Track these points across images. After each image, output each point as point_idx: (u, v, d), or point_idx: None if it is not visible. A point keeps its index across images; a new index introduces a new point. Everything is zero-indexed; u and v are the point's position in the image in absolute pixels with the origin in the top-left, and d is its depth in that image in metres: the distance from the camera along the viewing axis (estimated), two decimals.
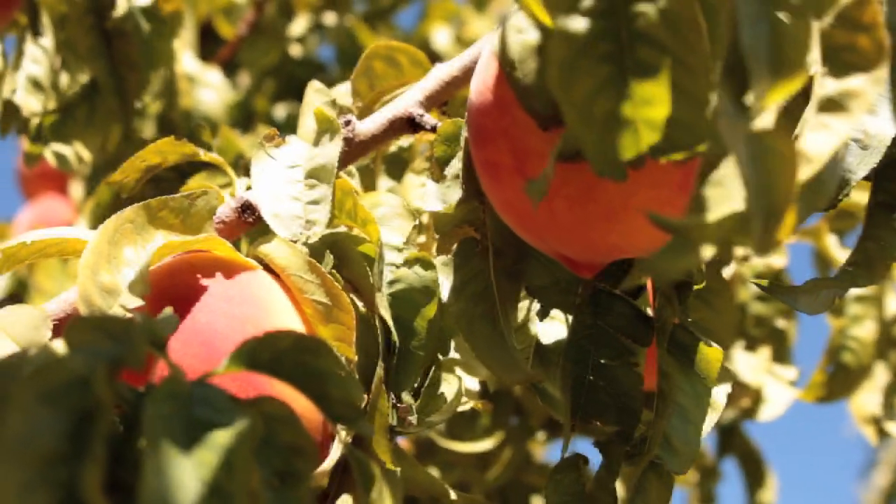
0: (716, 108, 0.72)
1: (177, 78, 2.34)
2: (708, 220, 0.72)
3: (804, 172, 0.75)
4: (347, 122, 1.19)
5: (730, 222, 0.72)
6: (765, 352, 2.00)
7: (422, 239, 1.34)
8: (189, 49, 2.94)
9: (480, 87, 1.01)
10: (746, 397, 2.03)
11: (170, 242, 1.03)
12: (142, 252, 1.04)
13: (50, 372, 0.74)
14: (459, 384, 1.19)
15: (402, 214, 1.14)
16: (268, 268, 1.10)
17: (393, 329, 1.06)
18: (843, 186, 1.06)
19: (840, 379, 2.00)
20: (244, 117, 3.11)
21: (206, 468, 0.69)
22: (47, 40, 1.70)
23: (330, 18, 3.20)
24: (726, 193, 0.73)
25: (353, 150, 1.20)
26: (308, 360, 0.83)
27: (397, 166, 1.43)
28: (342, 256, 1.10)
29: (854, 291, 2.00)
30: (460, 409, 1.22)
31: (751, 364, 2.00)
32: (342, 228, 1.13)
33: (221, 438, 0.73)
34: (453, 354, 1.21)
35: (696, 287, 1.10)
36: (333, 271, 1.08)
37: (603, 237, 0.96)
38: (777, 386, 2.04)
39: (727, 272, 1.94)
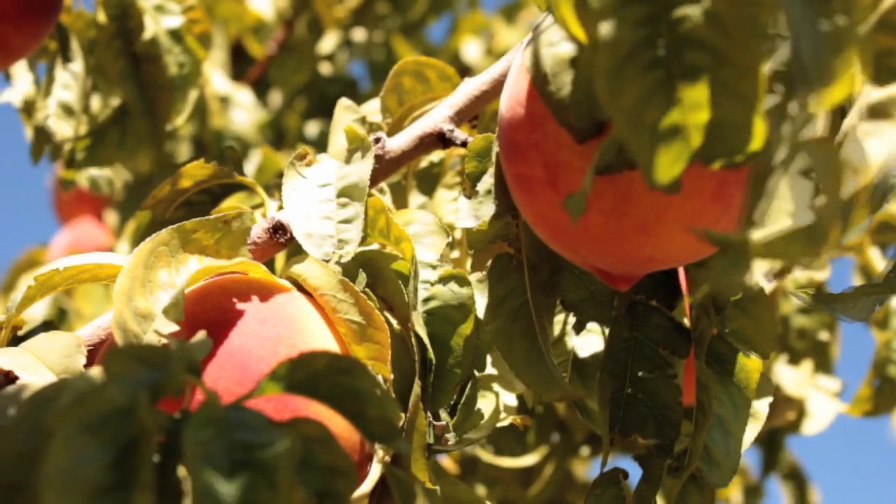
0: (769, 111, 0.70)
1: (208, 99, 2.35)
2: (766, 235, 0.71)
3: (861, 180, 0.73)
4: (377, 140, 1.19)
5: (788, 236, 0.70)
6: (808, 365, 1.99)
7: (455, 255, 1.33)
8: (221, 69, 2.95)
9: (511, 101, 1.01)
10: (791, 410, 2.01)
11: (204, 268, 1.03)
12: (176, 276, 1.04)
13: (90, 402, 0.74)
14: (496, 400, 1.18)
15: (436, 231, 1.13)
16: (302, 288, 1.09)
17: (429, 347, 1.06)
18: (888, 192, 1.05)
19: (886, 393, 1.97)
20: (276, 136, 3.12)
21: (250, 490, 0.69)
22: (77, 66, 1.70)
23: (359, 34, 3.20)
24: (780, 206, 0.72)
25: (384, 167, 1.20)
26: (344, 380, 0.83)
27: (428, 182, 1.43)
28: (376, 275, 1.10)
29: None
30: (499, 425, 1.21)
31: (794, 377, 1.98)
32: (375, 246, 1.13)
33: (263, 459, 0.73)
34: (490, 370, 1.21)
35: (733, 297, 1.09)
36: (367, 290, 1.08)
37: (638, 249, 0.95)
38: (821, 399, 2.02)
39: (768, 285, 1.92)
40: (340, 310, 1.06)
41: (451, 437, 1.08)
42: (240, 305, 1.04)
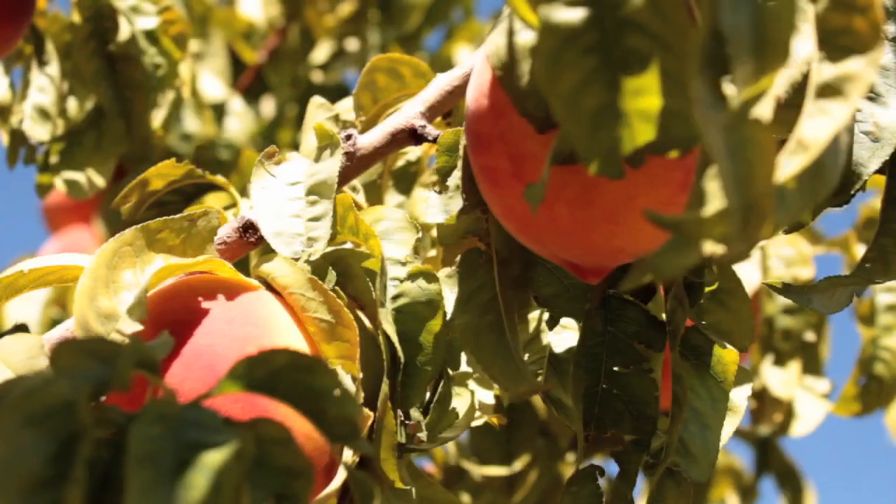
0: (693, 96, 0.69)
1: (191, 103, 2.35)
2: (705, 215, 0.70)
3: (801, 160, 0.72)
4: (348, 137, 1.17)
5: (721, 217, 0.69)
6: (795, 365, 1.96)
7: (433, 253, 1.32)
8: (218, 76, 2.93)
9: (475, 93, 0.99)
10: (778, 412, 1.98)
11: (168, 265, 1.02)
12: (140, 276, 1.02)
13: (35, 396, 0.73)
14: (472, 398, 1.16)
15: (405, 227, 1.11)
16: (272, 287, 1.08)
17: (398, 344, 1.04)
18: (856, 181, 1.03)
19: (874, 391, 1.95)
20: (268, 144, 3.11)
21: (193, 489, 0.67)
22: (53, 68, 1.69)
23: (353, 45, 3.18)
24: (719, 189, 0.71)
25: (356, 164, 1.18)
26: (304, 378, 0.81)
27: (405, 180, 1.41)
28: (345, 273, 1.08)
29: (885, 300, 1.96)
30: (475, 423, 1.20)
31: (781, 378, 1.96)
32: (348, 245, 1.11)
33: (210, 460, 0.71)
34: (465, 368, 1.19)
35: (709, 289, 1.07)
36: (336, 288, 1.06)
37: (606, 240, 0.94)
38: (809, 400, 2.00)
39: (752, 284, 1.90)
40: (309, 308, 1.04)
41: (423, 436, 1.06)
42: (207, 305, 1.03)
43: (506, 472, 1.97)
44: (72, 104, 1.75)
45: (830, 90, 0.75)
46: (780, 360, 1.95)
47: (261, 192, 1.12)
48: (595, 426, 1.07)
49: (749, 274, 1.84)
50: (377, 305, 1.04)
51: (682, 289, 1.05)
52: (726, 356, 1.06)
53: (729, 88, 0.70)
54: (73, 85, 1.73)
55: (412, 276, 1.08)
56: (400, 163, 1.41)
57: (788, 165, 0.72)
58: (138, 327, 0.96)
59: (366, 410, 1.00)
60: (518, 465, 1.98)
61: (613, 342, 1.08)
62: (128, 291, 1.00)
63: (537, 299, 1.10)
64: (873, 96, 1.03)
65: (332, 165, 1.12)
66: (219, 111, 2.87)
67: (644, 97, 0.74)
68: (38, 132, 1.64)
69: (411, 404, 1.05)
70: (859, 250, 1.97)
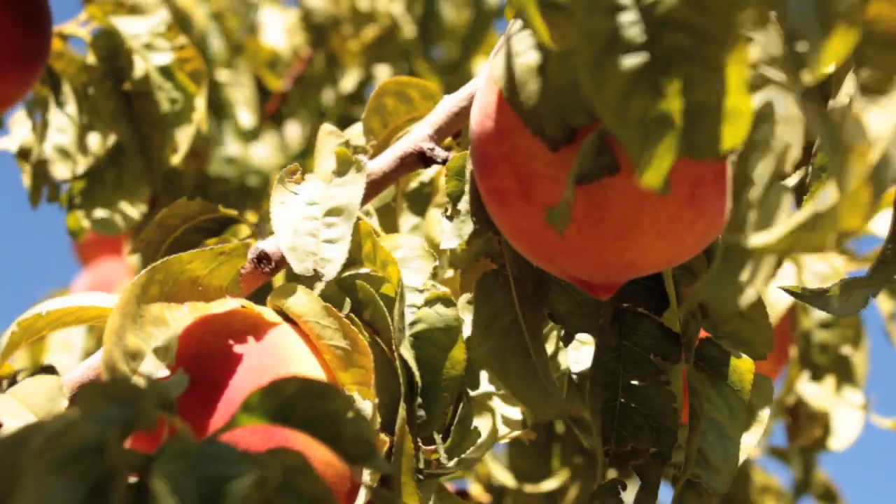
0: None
1: (232, 128, 2.38)
2: (771, 233, 0.69)
3: (868, 159, 0.71)
4: None
5: (794, 230, 0.68)
6: (831, 380, 1.95)
7: (450, 274, 1.32)
8: (245, 105, 2.96)
9: (480, 114, 1.00)
10: (816, 428, 1.97)
11: (195, 306, 1.03)
12: (166, 310, 1.03)
13: (61, 440, 0.74)
14: (494, 418, 1.17)
15: (423, 256, 1.12)
16: (288, 318, 1.09)
17: (415, 369, 1.05)
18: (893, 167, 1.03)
19: None
20: None
21: None
22: (71, 108, 1.71)
23: (383, 72, 3.19)
24: (771, 205, 0.71)
25: (367, 189, 1.18)
26: (316, 404, 0.82)
27: (420, 202, 1.42)
28: (362, 299, 1.09)
29: None
30: (503, 441, 1.20)
31: (818, 393, 1.95)
32: (364, 271, 1.12)
33: (233, 491, 0.73)
34: (486, 387, 1.20)
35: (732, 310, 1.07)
36: (352, 315, 1.07)
37: (617, 256, 0.94)
38: (847, 414, 1.99)
39: (787, 299, 1.90)
40: (325, 336, 1.05)
41: (444, 459, 1.07)
42: (223, 339, 1.04)
43: (545, 489, 1.97)
44: (92, 142, 1.77)
45: (871, 87, 0.73)
46: (818, 375, 1.95)
47: (279, 206, 1.12)
48: (615, 441, 1.07)
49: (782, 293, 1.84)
50: (393, 331, 1.05)
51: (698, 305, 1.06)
52: (742, 365, 1.06)
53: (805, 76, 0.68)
54: (93, 123, 1.75)
55: (429, 303, 1.08)
56: (413, 184, 1.42)
57: (860, 161, 0.71)
58: (164, 372, 0.98)
59: (382, 435, 1.01)
60: (557, 481, 1.98)
61: (629, 356, 1.08)
62: (154, 327, 1.01)
63: (552, 316, 1.10)
64: None
65: (354, 189, 1.12)
66: (246, 138, 2.89)
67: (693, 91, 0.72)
68: (59, 171, 1.67)
69: (432, 429, 1.06)
70: None
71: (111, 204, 1.71)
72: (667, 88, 0.71)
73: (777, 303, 1.81)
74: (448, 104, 1.21)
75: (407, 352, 1.05)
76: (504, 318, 1.06)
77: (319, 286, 1.09)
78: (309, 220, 1.11)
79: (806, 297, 1.07)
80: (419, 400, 1.06)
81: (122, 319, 0.99)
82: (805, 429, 1.97)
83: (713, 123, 0.71)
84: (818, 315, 1.97)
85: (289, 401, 0.83)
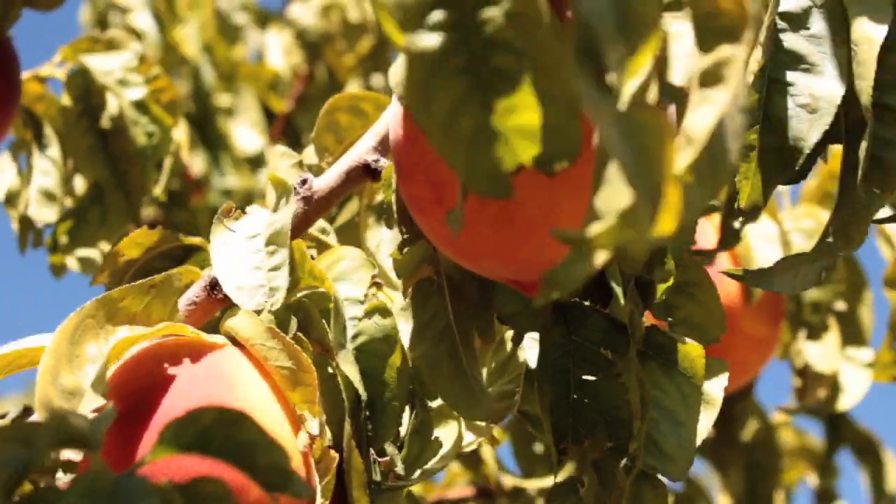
0: (580, 95, 0.68)
1: (228, 158, 2.40)
2: (605, 224, 0.69)
3: (689, 153, 0.71)
4: (304, 182, 1.18)
5: (624, 220, 0.68)
6: (833, 337, 1.92)
7: None
8: (253, 128, 2.97)
9: (392, 122, 1.00)
10: (821, 388, 1.94)
11: (127, 338, 1.03)
12: (105, 347, 1.04)
13: None
14: (459, 426, 1.16)
15: (362, 266, 1.12)
16: (238, 342, 1.09)
17: (357, 384, 1.05)
18: (798, 155, 1.02)
19: None
20: None
21: None
22: (54, 151, 1.73)
23: (377, 80, 3.20)
24: (616, 191, 0.70)
25: (314, 207, 1.18)
26: (232, 433, 0.82)
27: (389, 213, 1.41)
28: (306, 318, 1.09)
29: None
30: (468, 448, 1.20)
31: (820, 352, 1.92)
32: (305, 290, 1.12)
33: None
34: None
35: (664, 285, 1.06)
36: (299, 334, 1.07)
37: (537, 254, 0.93)
38: (853, 371, 1.95)
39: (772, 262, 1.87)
40: (271, 357, 1.05)
41: (400, 470, 1.06)
42: (170, 369, 1.04)
43: (547, 484, 1.96)
44: (78, 183, 1.80)
45: (711, 77, 0.74)
46: (814, 334, 1.91)
47: (221, 248, 1.13)
48: (571, 437, 1.06)
49: (769, 251, 1.81)
50: (334, 346, 1.05)
51: (635, 289, 1.05)
52: (692, 351, 1.05)
53: (611, 77, 0.69)
54: (78, 164, 1.77)
55: (368, 314, 1.08)
56: (379, 197, 1.41)
57: (679, 161, 0.71)
58: (101, 402, 0.98)
59: (332, 452, 1.01)
60: (563, 474, 1.97)
61: (579, 351, 1.07)
62: (92, 365, 1.02)
63: (500, 318, 1.10)
64: (807, 67, 1.02)
65: (286, 213, 1.13)
66: (255, 163, 2.91)
67: (519, 114, 0.74)
68: (45, 214, 1.69)
69: (382, 440, 1.06)
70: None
71: (95, 243, 1.73)
72: (496, 107, 0.73)
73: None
74: (391, 113, 1.20)
75: (350, 365, 1.05)
76: (437, 324, 1.06)
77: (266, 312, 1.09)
78: (252, 253, 1.12)
79: (749, 277, 1.06)
80: (366, 413, 1.06)
81: (55, 361, 1.00)
82: (811, 390, 1.94)
83: (552, 140, 0.72)
84: None
85: (206, 430, 0.83)
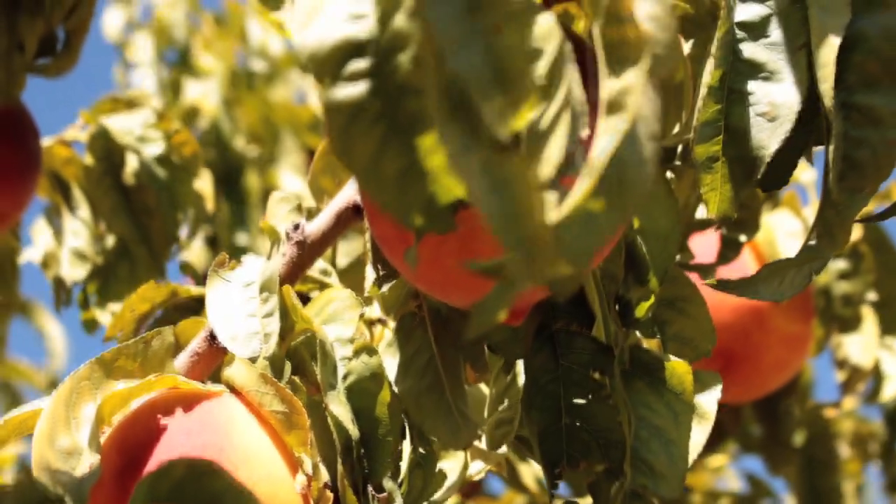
0: (446, 148, 0.70)
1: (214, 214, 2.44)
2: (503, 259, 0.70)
3: (588, 181, 0.71)
4: (296, 227, 1.20)
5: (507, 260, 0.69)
6: (869, 327, 1.89)
7: None
8: (295, 172, 3.01)
9: None
10: (860, 381, 1.92)
11: (115, 392, 1.06)
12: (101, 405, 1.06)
13: None
14: (465, 456, 1.17)
15: (351, 306, 1.13)
16: (236, 390, 1.11)
17: (349, 422, 1.06)
18: (760, 164, 1.01)
19: None
20: None
21: None
22: (84, 211, 1.78)
23: None
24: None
25: (309, 252, 1.20)
26: (204, 484, 0.84)
27: None
28: (300, 362, 1.11)
29: None
30: (477, 477, 1.20)
31: (858, 344, 1.89)
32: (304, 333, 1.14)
33: None
34: None
35: (645, 304, 1.06)
36: (293, 378, 1.09)
37: None
38: (893, 360, 1.92)
39: None
40: (265, 403, 1.07)
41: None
42: (166, 422, 1.06)
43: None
44: (110, 241, 1.84)
45: (616, 105, 0.74)
46: (850, 327, 1.89)
47: (216, 299, 1.16)
48: (567, 462, 1.07)
49: (796, 247, 1.79)
50: (323, 388, 1.06)
51: (614, 309, 1.05)
52: (679, 368, 1.05)
53: (487, 130, 0.70)
54: (104, 221, 1.81)
55: (357, 353, 1.10)
56: None
57: (579, 188, 0.72)
58: (97, 458, 1.01)
59: (327, 492, 1.03)
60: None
61: (568, 375, 1.08)
62: (88, 425, 1.04)
63: (490, 348, 1.10)
64: (767, 75, 1.02)
65: (275, 260, 1.15)
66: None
67: (438, 155, 0.75)
68: (76, 273, 1.73)
69: (380, 476, 1.07)
70: None
71: (125, 297, 1.76)
72: (416, 149, 0.74)
73: None
74: None
75: (339, 405, 1.06)
76: (421, 358, 1.07)
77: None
78: (247, 301, 1.14)
79: (734, 288, 1.06)
80: (361, 451, 1.07)
81: (51, 424, 1.03)
82: (851, 384, 1.92)
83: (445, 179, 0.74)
84: (834, 266, 1.91)
85: (179, 482, 0.85)
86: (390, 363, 1.09)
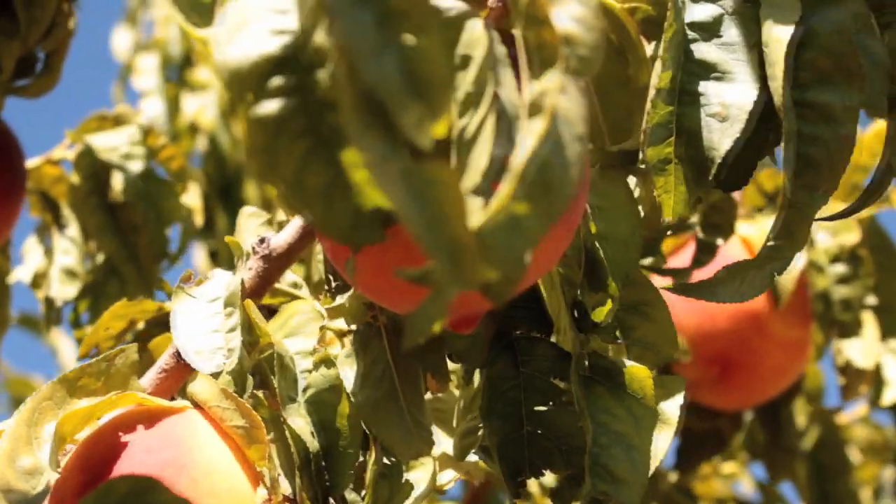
0: (364, 159, 0.70)
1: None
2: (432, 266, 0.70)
3: (507, 186, 0.71)
4: (262, 241, 1.20)
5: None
6: (870, 331, 1.87)
7: None
8: None
9: None
10: (862, 385, 1.89)
11: (75, 411, 1.06)
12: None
13: None
14: (434, 466, 1.17)
15: (313, 318, 1.13)
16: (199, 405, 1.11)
17: (307, 435, 1.06)
18: (710, 165, 1.00)
19: None
20: None
21: None
22: (73, 230, 1.79)
23: None
24: None
25: (275, 265, 1.20)
26: (147, 500, 0.84)
27: None
28: (263, 376, 1.11)
29: None
30: (448, 486, 1.20)
31: (860, 348, 1.87)
32: (263, 348, 1.14)
33: None
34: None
35: (603, 309, 1.05)
36: (256, 392, 1.09)
37: None
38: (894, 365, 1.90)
39: (800, 263, 1.85)
40: (227, 418, 1.07)
41: None
42: (128, 438, 1.06)
43: None
44: (100, 259, 1.85)
45: (535, 108, 0.74)
46: (850, 331, 1.87)
47: (181, 315, 1.16)
48: (529, 470, 1.06)
49: None
50: (282, 402, 1.06)
51: (570, 315, 1.04)
52: (639, 372, 1.04)
53: (404, 137, 0.70)
54: (92, 240, 1.82)
55: (316, 366, 1.10)
56: None
57: (499, 192, 0.71)
58: (55, 476, 1.01)
59: None
60: None
61: (530, 382, 1.07)
62: (49, 444, 1.04)
63: (451, 357, 1.10)
64: (719, 75, 1.01)
65: (238, 275, 1.15)
66: None
67: (362, 169, 0.75)
68: (65, 292, 1.74)
69: (341, 489, 1.07)
70: None
71: None
72: (340, 163, 0.75)
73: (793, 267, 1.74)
74: None
75: (297, 418, 1.06)
76: (377, 368, 1.06)
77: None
78: (211, 316, 1.14)
79: (691, 291, 1.05)
80: (322, 463, 1.07)
81: (13, 444, 1.03)
82: (852, 388, 1.90)
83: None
84: (834, 271, 1.89)
85: (123, 499, 0.85)
86: (348, 374, 1.09)
